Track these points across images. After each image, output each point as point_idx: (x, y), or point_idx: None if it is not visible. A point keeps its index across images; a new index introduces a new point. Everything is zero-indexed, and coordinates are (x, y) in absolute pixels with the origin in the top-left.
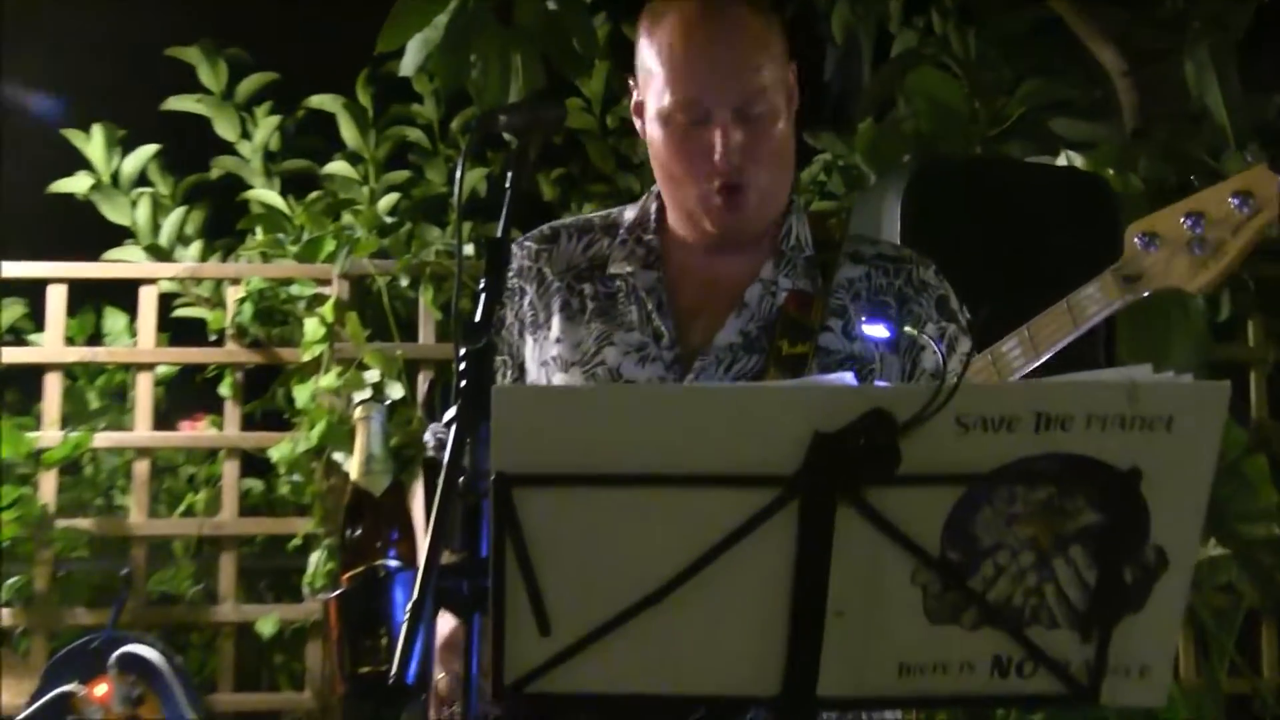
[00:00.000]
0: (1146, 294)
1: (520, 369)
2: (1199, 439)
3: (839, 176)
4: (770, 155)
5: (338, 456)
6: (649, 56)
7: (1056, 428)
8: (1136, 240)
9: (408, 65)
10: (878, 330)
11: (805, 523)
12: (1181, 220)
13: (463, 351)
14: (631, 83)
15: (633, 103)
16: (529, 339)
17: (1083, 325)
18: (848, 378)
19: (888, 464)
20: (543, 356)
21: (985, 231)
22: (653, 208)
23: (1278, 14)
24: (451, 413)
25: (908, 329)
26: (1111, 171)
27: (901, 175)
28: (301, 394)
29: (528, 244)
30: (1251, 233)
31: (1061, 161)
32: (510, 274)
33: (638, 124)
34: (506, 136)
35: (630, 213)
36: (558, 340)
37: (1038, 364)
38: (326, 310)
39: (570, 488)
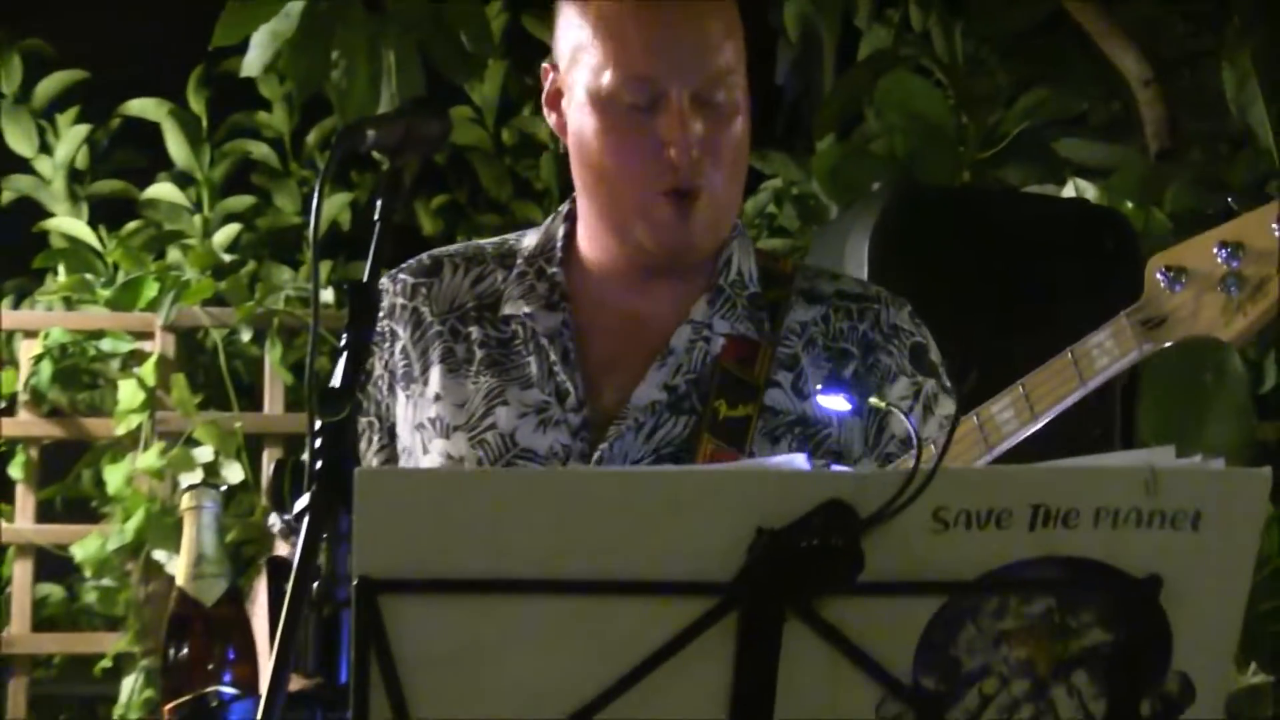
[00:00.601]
0: (1170, 343)
1: (390, 433)
2: (1233, 539)
3: (792, 208)
4: (731, 157)
5: (159, 556)
6: (580, 27)
7: (1058, 525)
8: (1159, 276)
9: (252, 64)
10: (836, 402)
11: (746, 640)
12: (1214, 251)
13: (319, 424)
14: (546, 66)
15: (546, 92)
16: (401, 395)
17: (1091, 382)
18: (798, 460)
19: (847, 569)
20: (418, 418)
21: (974, 277)
22: (559, 232)
23: None
24: (304, 501)
25: (874, 400)
26: (1131, 205)
27: (870, 207)
28: (114, 477)
29: (402, 277)
30: None
31: (1069, 192)
32: (380, 315)
33: (551, 119)
34: (376, 155)
35: (531, 238)
36: (437, 398)
37: (1034, 429)
38: (147, 371)
39: (452, 596)
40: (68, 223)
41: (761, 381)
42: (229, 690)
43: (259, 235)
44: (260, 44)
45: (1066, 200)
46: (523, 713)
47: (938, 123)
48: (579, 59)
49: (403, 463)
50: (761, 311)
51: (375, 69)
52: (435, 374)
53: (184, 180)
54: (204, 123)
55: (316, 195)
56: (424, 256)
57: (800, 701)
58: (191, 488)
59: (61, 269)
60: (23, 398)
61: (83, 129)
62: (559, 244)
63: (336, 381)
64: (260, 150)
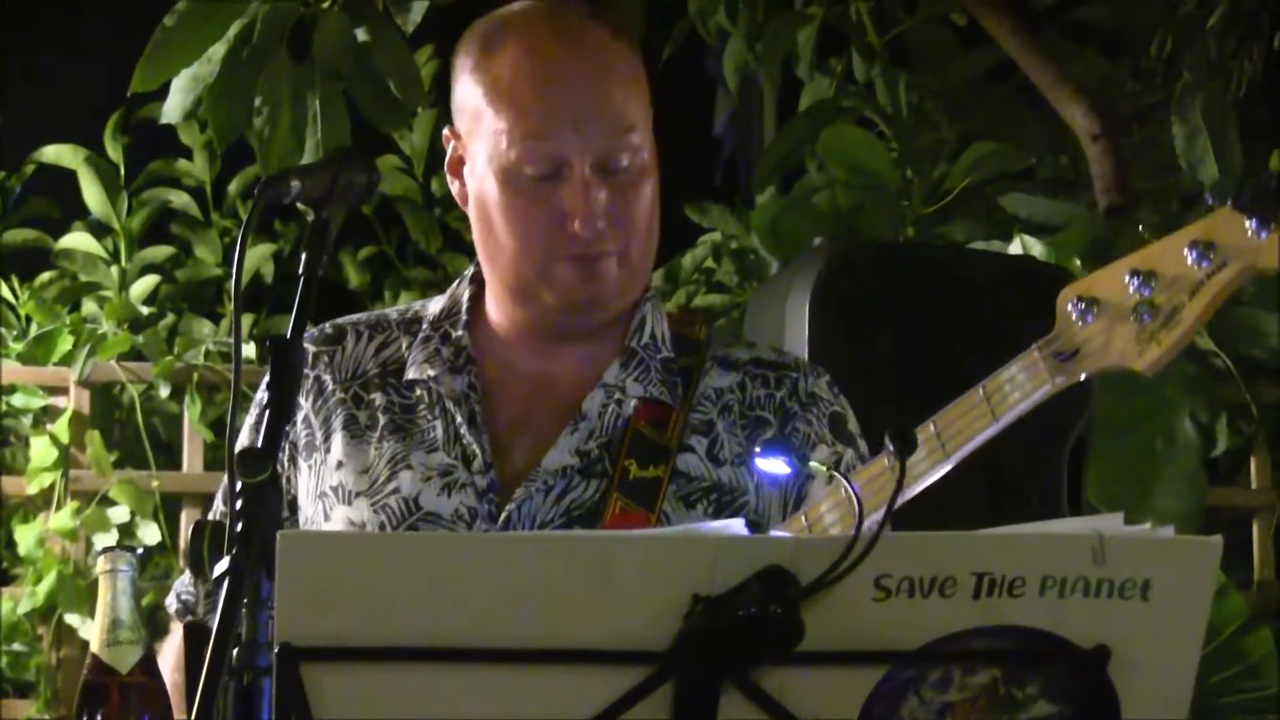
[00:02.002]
0: (1084, 376)
1: (291, 506)
2: (1183, 609)
3: (731, 263)
4: (641, 221)
5: (72, 620)
6: (477, 94)
7: (1003, 593)
8: (1070, 307)
9: (172, 110)
10: (775, 466)
11: (681, 711)
12: (1126, 280)
13: (239, 485)
14: (448, 133)
15: (449, 158)
16: (303, 465)
17: (1004, 418)
18: (736, 525)
19: (786, 637)
20: (321, 486)
21: (918, 335)
22: (465, 295)
23: None
24: (224, 564)
25: (815, 464)
26: (1079, 262)
27: (812, 263)
28: (25, 537)
29: (304, 347)
30: (1213, 293)
31: (1016, 248)
32: None
33: (454, 186)
34: (301, 206)
35: (436, 304)
36: (339, 465)
37: (947, 469)
38: (60, 428)
39: (376, 664)
40: None
41: (674, 444)
42: None
43: (178, 287)
44: (180, 89)
45: (1013, 257)
46: None
47: (881, 176)
48: (477, 127)
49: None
50: (675, 376)
51: (300, 116)
52: (337, 441)
53: (100, 230)
54: (121, 170)
55: (239, 246)
56: (326, 325)
57: None
58: (107, 550)
59: None
60: None
61: None
62: (464, 307)
63: (258, 440)
64: (180, 199)
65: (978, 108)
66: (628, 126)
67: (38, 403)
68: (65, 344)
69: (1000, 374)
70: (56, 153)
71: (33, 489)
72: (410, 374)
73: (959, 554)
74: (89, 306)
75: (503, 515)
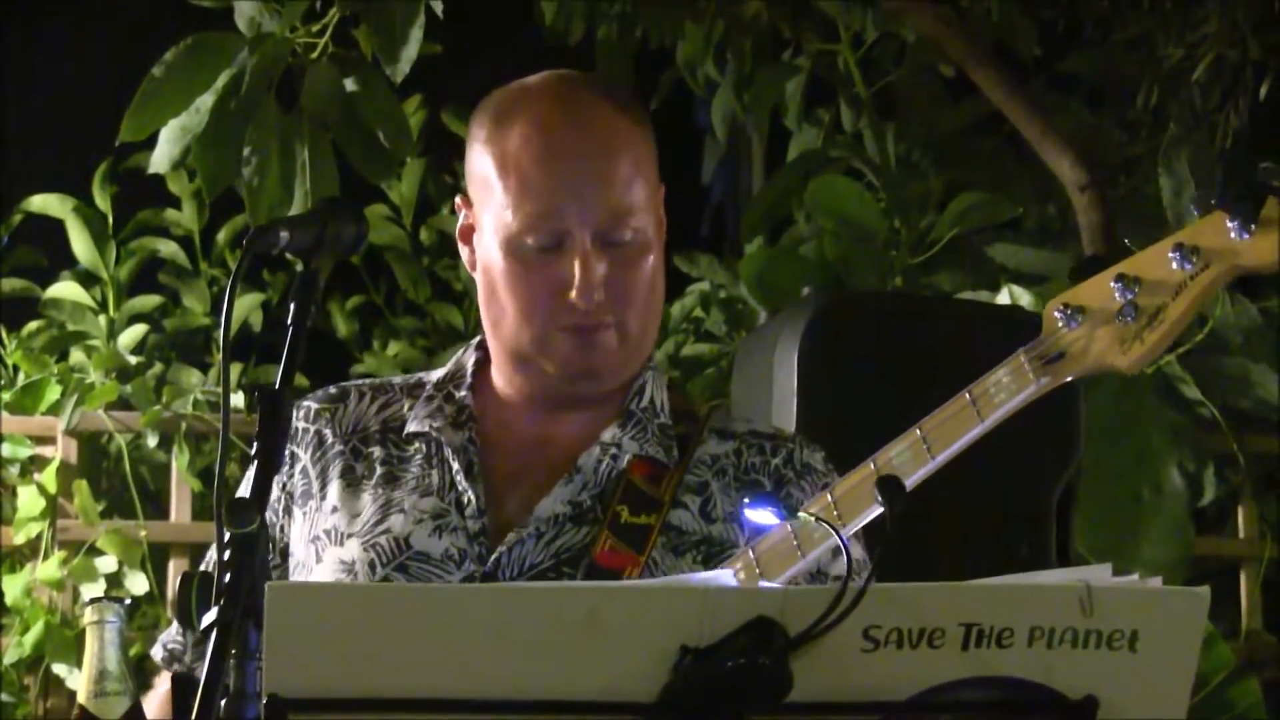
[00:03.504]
0: (1070, 378)
1: (283, 554)
2: (1171, 659)
3: (720, 312)
4: (641, 294)
5: (60, 670)
6: (488, 166)
7: (991, 644)
8: (1056, 314)
9: (161, 160)
10: (763, 516)
11: None
12: (1111, 287)
13: (228, 535)
14: (459, 201)
15: (459, 226)
16: (298, 514)
17: (989, 419)
18: (724, 576)
19: (775, 689)
20: (314, 532)
21: (906, 385)
22: (470, 360)
23: (1277, 117)
24: (212, 615)
25: (804, 514)
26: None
27: (800, 313)
28: (12, 587)
29: (307, 404)
30: (1196, 293)
31: (1004, 298)
32: None
33: (464, 254)
34: (289, 256)
35: (440, 372)
36: (333, 510)
37: (933, 469)
38: (48, 477)
39: (365, 715)
40: None
41: (667, 499)
42: None
43: (166, 336)
44: (169, 139)
45: (1001, 307)
46: None
47: (869, 226)
48: (487, 197)
49: (296, 576)
50: (671, 440)
51: (288, 166)
52: (333, 489)
53: (88, 279)
54: (110, 220)
55: (227, 296)
56: (332, 388)
57: None
58: (94, 601)
59: None
60: None
61: None
62: (469, 371)
63: (246, 490)
64: (168, 249)
65: (965, 158)
66: (630, 202)
67: (25, 452)
68: (53, 393)
69: (986, 378)
70: (44, 202)
71: (20, 539)
72: (411, 427)
73: (947, 605)
74: (77, 356)
75: (493, 556)
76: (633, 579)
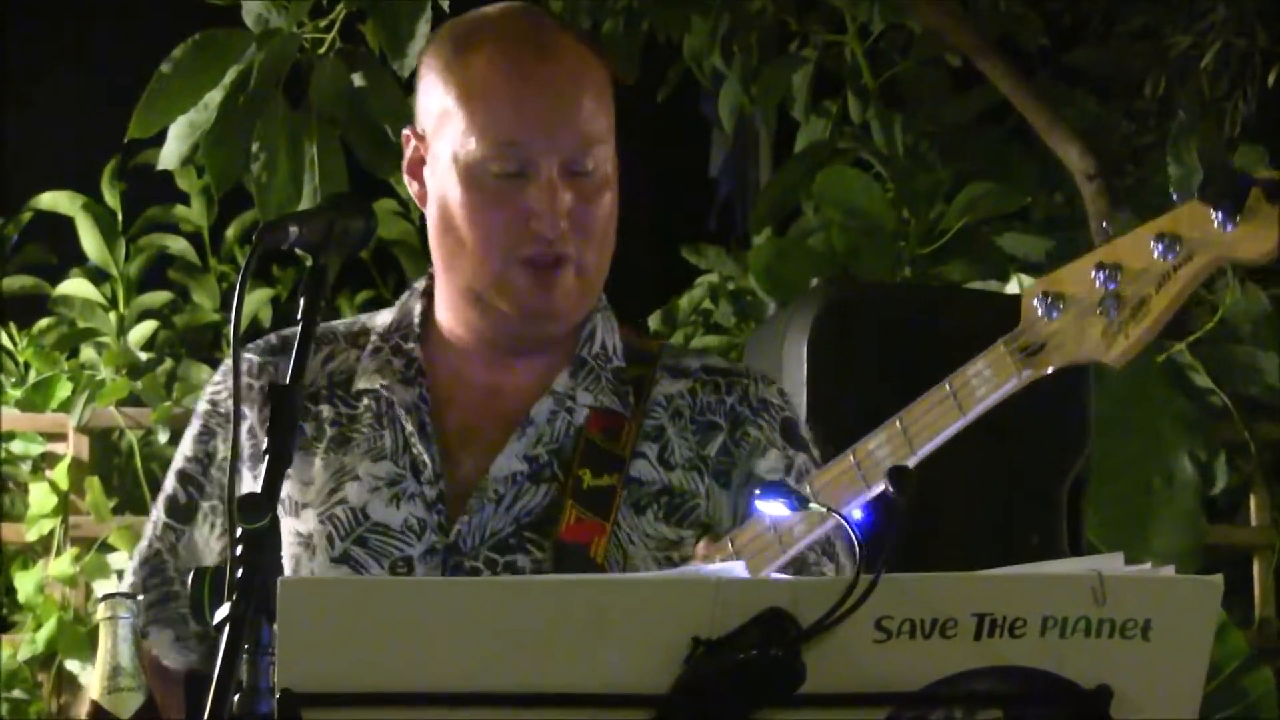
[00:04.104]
0: (1051, 369)
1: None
2: (1185, 648)
3: (728, 304)
4: (599, 229)
5: (73, 666)
6: (446, 95)
7: (1004, 634)
8: (1036, 303)
9: (169, 156)
10: (775, 508)
11: None
12: (1092, 275)
13: (239, 532)
14: (408, 133)
15: (408, 160)
16: (248, 475)
17: (970, 413)
18: (737, 568)
19: (788, 681)
20: None
21: (916, 377)
22: (416, 308)
23: None
24: (225, 611)
25: (815, 506)
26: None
27: (809, 304)
28: (25, 584)
29: (249, 357)
30: (1181, 284)
31: (1013, 288)
32: (220, 393)
33: (413, 188)
34: (299, 251)
35: (385, 317)
36: (285, 477)
37: (913, 462)
38: (59, 474)
39: (378, 709)
40: None
41: (627, 454)
42: None
43: (176, 333)
44: (178, 136)
45: (1011, 297)
46: None
47: (877, 218)
48: (444, 126)
49: None
50: (626, 386)
51: (297, 162)
52: None
53: (98, 276)
54: (119, 217)
55: (237, 292)
56: (272, 336)
57: None
58: (107, 597)
59: None
60: None
61: None
62: (416, 320)
63: (258, 485)
64: (178, 245)
65: (973, 148)
66: (594, 132)
67: (36, 449)
68: (64, 390)
69: (966, 370)
70: (54, 199)
71: (32, 535)
72: (360, 384)
73: (960, 595)
74: (87, 353)
75: (455, 528)
76: (601, 548)
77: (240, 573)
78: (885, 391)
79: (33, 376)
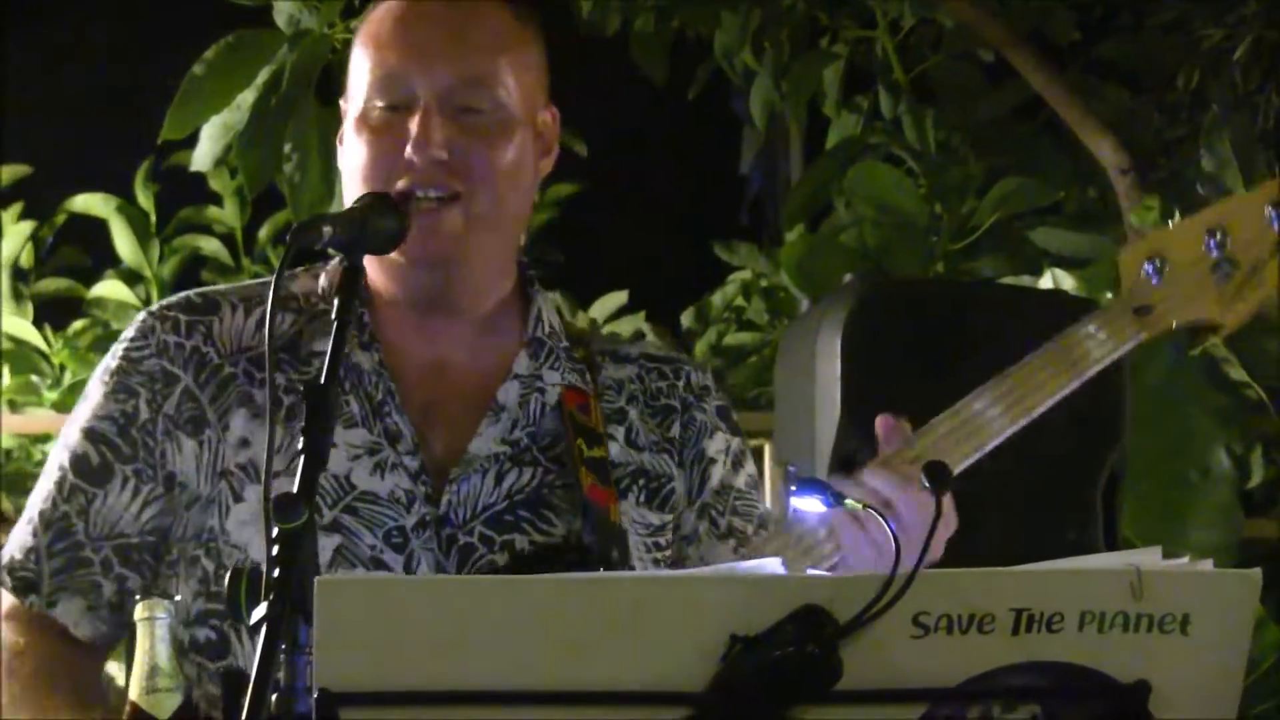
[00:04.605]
0: (1173, 327)
1: (167, 482)
2: (1223, 642)
3: (761, 300)
4: (495, 172)
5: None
6: (355, 53)
7: (1041, 629)
8: (1145, 267)
9: (202, 157)
10: (811, 504)
11: None
12: (1202, 237)
13: (275, 531)
14: (343, 103)
15: (340, 133)
16: (185, 443)
17: (1085, 374)
18: (773, 564)
19: (825, 677)
20: (221, 465)
21: (950, 373)
22: (356, 275)
23: None
24: (262, 610)
25: (850, 502)
26: (1110, 295)
27: (842, 300)
28: None
29: (173, 314)
30: None
31: (1046, 283)
32: (145, 350)
33: (340, 157)
34: (331, 251)
35: (321, 281)
36: (244, 443)
37: (1024, 425)
38: None
39: (416, 708)
40: (12, 323)
41: (602, 430)
42: None
43: None
44: (210, 137)
45: (1044, 292)
46: None
47: (909, 213)
48: (350, 85)
49: (200, 511)
50: (580, 365)
51: (329, 162)
52: (237, 421)
53: (132, 278)
54: (152, 218)
55: (271, 292)
56: (193, 293)
57: None
58: (144, 598)
59: (6, 371)
60: None
61: (26, 226)
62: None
63: (294, 485)
64: (211, 246)
65: (1005, 143)
66: (487, 71)
67: None
68: None
69: (1075, 331)
70: (87, 201)
71: None
72: (314, 347)
73: (997, 590)
74: None
75: (444, 498)
76: (615, 514)
77: (277, 572)
78: (919, 387)
79: (68, 379)
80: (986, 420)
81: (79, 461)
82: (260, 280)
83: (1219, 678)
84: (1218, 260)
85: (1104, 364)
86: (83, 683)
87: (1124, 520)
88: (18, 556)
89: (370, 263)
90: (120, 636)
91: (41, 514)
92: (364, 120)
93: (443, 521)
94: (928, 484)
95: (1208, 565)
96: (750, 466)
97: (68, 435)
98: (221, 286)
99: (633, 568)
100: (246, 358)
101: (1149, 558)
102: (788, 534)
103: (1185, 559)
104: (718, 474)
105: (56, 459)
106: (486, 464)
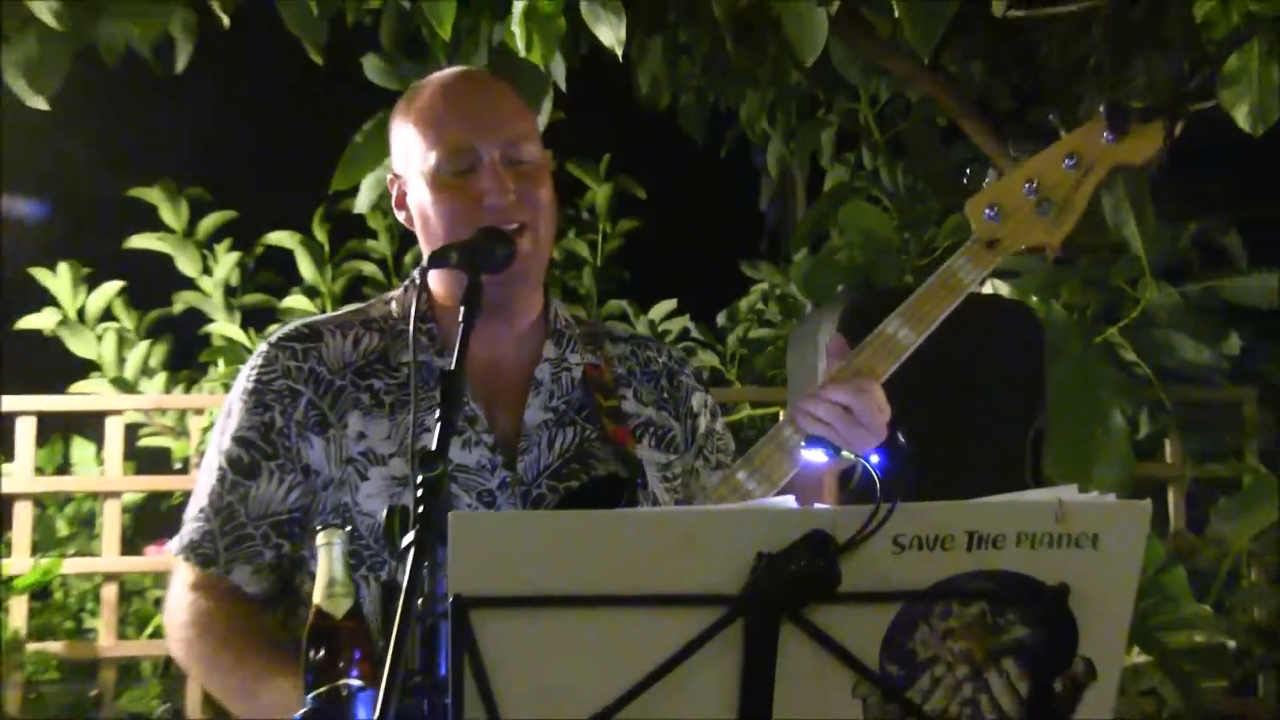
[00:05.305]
0: (1013, 252)
1: (304, 472)
2: (1123, 555)
3: (776, 305)
4: (544, 205)
5: None
6: (408, 133)
7: (988, 546)
8: (987, 212)
9: (362, 203)
10: (816, 455)
11: (750, 640)
12: (1022, 186)
13: (419, 478)
14: (390, 177)
15: (394, 197)
16: (315, 441)
17: (961, 294)
18: (789, 501)
19: (828, 584)
20: (345, 454)
21: (917, 357)
22: (421, 297)
23: (1187, 154)
24: (410, 537)
25: (845, 453)
26: (1035, 298)
27: (836, 304)
28: None
29: (289, 345)
30: (1089, 186)
31: (988, 289)
32: (272, 374)
33: (401, 216)
34: (458, 270)
35: (390, 307)
36: (361, 436)
37: (924, 338)
38: None
39: (525, 609)
40: (225, 327)
41: (615, 389)
42: (356, 682)
43: None
44: (368, 187)
45: (987, 296)
46: (579, 698)
47: (885, 239)
48: (411, 155)
49: (333, 491)
50: (590, 345)
51: None
52: (353, 419)
53: (312, 293)
54: (326, 249)
55: (414, 302)
56: (300, 325)
57: (793, 685)
58: (324, 527)
59: (220, 362)
60: (194, 460)
61: (234, 255)
62: (425, 307)
63: (433, 445)
64: (369, 268)
65: (956, 186)
66: (523, 130)
67: None
68: None
69: (952, 263)
70: (279, 236)
71: None
72: (402, 358)
73: (955, 518)
74: None
75: (519, 464)
76: (633, 448)
77: (421, 510)
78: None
79: None
80: (899, 338)
81: (234, 463)
82: (351, 308)
83: (1120, 581)
84: (1037, 200)
85: (973, 286)
86: (265, 629)
87: (1047, 465)
88: (196, 539)
89: (449, 284)
90: (280, 591)
91: (211, 504)
92: (438, 182)
93: (520, 481)
94: (903, 438)
95: (1111, 498)
96: (720, 420)
97: (221, 443)
98: (321, 317)
99: (652, 491)
100: (352, 371)
101: (1067, 493)
102: (748, 464)
103: (1094, 494)
104: (704, 423)
105: (215, 461)
106: (539, 433)
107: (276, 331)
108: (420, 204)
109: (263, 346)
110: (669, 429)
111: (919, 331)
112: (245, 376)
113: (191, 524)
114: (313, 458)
